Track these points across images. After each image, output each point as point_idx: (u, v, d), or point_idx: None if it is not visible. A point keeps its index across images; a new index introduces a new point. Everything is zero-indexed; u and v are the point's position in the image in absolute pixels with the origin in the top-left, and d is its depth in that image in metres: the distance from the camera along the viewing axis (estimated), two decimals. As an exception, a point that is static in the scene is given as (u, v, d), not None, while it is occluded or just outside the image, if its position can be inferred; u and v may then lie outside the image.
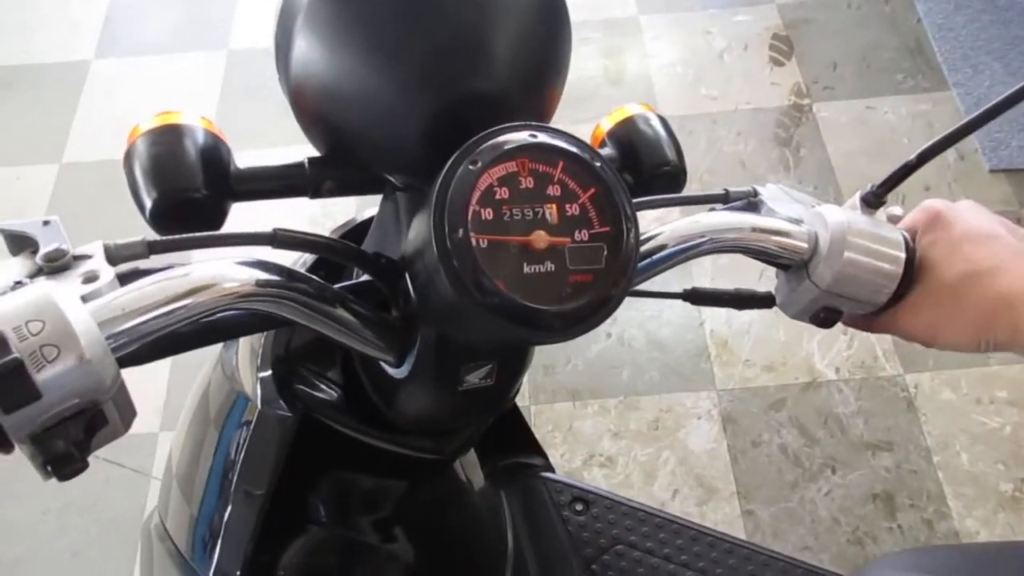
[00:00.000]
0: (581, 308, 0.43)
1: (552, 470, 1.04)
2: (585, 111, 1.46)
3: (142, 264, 0.43)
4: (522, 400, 1.71)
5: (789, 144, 2.09)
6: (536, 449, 1.04)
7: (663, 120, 0.62)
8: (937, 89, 2.17)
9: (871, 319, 0.58)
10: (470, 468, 0.85)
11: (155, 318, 0.39)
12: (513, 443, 1.02)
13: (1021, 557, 0.55)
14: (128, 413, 0.39)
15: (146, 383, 1.73)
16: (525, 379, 1.70)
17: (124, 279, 0.41)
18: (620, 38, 2.34)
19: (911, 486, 1.59)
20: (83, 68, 2.33)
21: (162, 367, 1.74)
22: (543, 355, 1.77)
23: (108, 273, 0.40)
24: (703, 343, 1.78)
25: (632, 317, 1.81)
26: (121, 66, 2.35)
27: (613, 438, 1.66)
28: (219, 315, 0.43)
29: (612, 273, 0.44)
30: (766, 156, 2.07)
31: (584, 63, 2.27)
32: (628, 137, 0.61)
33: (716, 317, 1.81)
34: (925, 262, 0.54)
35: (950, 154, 2.02)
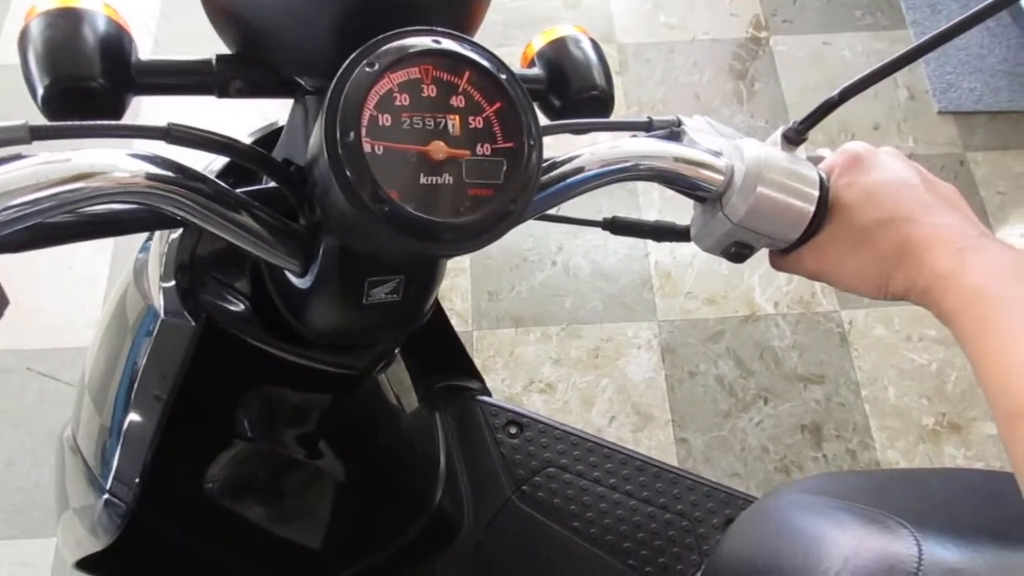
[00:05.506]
0: (477, 222, 0.43)
1: (489, 394, 1.05)
2: (538, 33, 1.43)
3: (25, 150, 0.40)
4: (464, 325, 1.71)
5: (744, 77, 2.08)
6: (473, 373, 1.05)
7: (595, 44, 0.60)
8: (895, 27, 2.16)
9: (781, 256, 0.58)
10: (403, 389, 0.84)
11: (27, 203, 0.37)
12: (450, 366, 1.02)
13: (920, 481, 0.57)
14: None
15: (82, 294, 1.69)
16: (469, 305, 1.71)
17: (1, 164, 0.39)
18: (581, -41, 2.28)
19: (839, 418, 1.64)
20: (15, -37, 2.21)
21: (100, 278, 1.70)
22: (487, 281, 1.77)
23: None
24: (647, 274, 1.80)
25: (578, 246, 1.81)
26: (56, -38, 2.23)
27: (554, 365, 1.68)
28: (107, 207, 0.41)
29: (511, 189, 0.44)
30: (720, 88, 2.06)
31: (543, -17, 2.21)
32: (557, 58, 0.59)
33: (661, 249, 1.83)
34: (839, 203, 0.54)
35: (901, 93, 2.03)
